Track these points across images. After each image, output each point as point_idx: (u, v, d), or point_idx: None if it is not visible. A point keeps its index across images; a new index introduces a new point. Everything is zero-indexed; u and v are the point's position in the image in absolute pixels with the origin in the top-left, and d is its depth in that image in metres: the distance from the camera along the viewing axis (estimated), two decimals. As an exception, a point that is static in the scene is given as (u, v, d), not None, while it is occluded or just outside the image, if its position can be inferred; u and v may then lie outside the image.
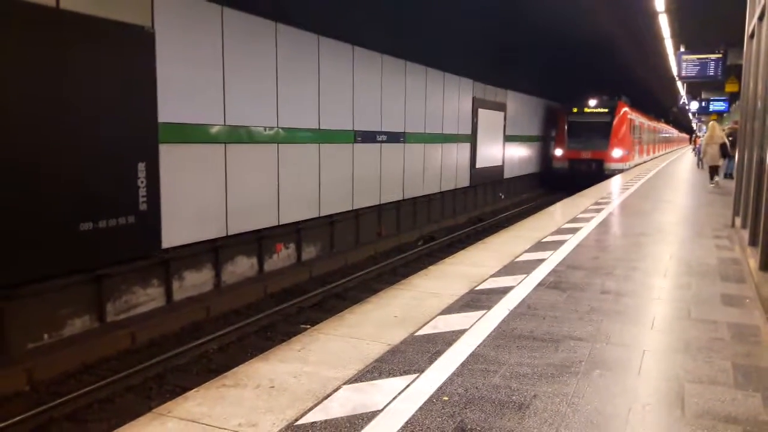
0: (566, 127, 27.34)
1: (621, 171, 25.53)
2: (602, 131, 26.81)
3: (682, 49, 19.30)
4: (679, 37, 18.47)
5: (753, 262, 6.23)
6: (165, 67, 8.29)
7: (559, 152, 27.21)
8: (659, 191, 16.27)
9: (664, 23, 16.52)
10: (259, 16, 10.22)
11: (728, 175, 17.76)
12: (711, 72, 19.02)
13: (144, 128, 8.05)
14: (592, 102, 27.32)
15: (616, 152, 26.61)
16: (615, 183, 19.30)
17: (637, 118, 31.65)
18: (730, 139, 16.92)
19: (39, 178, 6.79)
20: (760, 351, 4.11)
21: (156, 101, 8.20)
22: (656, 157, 42.26)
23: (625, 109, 27.97)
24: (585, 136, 26.79)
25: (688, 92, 35.82)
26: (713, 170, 17.09)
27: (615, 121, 26.89)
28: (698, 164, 27.34)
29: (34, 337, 6.91)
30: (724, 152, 16.95)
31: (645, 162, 34.08)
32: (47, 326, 7.06)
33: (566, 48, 20.38)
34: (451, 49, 16.59)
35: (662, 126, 51.45)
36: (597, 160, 26.40)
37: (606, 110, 27.16)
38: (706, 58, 19.00)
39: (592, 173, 25.35)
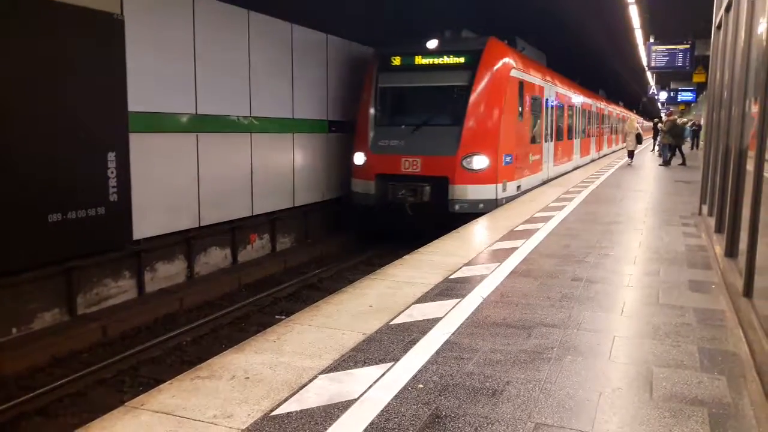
0: (374, 102, 12.44)
1: (493, 205, 11.38)
2: (450, 110, 12.01)
3: (652, 40, 19.59)
4: (648, 28, 18.73)
5: (719, 248, 6.39)
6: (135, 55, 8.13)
7: (359, 159, 12.30)
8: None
9: (634, 13, 16.73)
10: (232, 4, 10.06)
11: (667, 162, 21.31)
12: (679, 62, 19.39)
13: (114, 117, 7.91)
14: (433, 43, 12.26)
15: (480, 161, 11.43)
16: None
17: (547, 84, 15.75)
18: (662, 128, 22.49)
19: (4, 168, 6.63)
20: (726, 335, 4.22)
21: (126, 89, 8.05)
22: (602, 157, 29.09)
23: (508, 60, 12.39)
24: (412, 123, 12.03)
25: (657, 82, 36.40)
26: (631, 153, 23.29)
27: (482, 87, 11.75)
28: (660, 156, 22.92)
29: (1, 332, 6.77)
30: (639, 140, 24.27)
31: (570, 171, 19.49)
32: (15, 320, 6.93)
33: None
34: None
35: (612, 108, 33.96)
36: (435, 180, 11.53)
37: (461, 60, 12.07)
38: (675, 49, 19.34)
39: (427, 211, 11.54)
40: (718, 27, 8.50)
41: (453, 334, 4.21)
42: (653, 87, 40.02)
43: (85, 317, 7.66)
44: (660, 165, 21.08)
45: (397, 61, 12.40)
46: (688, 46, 19.03)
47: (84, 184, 7.51)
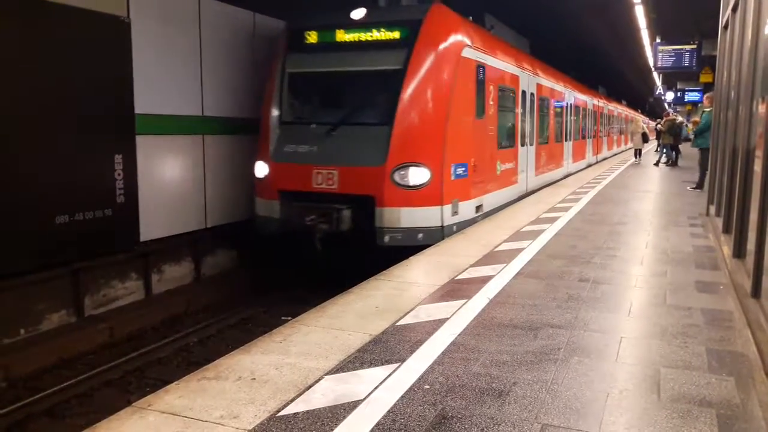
0: (279, 93, 9.40)
1: (438, 235, 8.34)
2: (378, 104, 8.86)
3: (658, 40, 19.54)
4: (655, 28, 18.68)
5: (727, 249, 6.36)
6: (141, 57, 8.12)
7: (260, 170, 9.18)
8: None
9: (640, 14, 16.69)
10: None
11: (669, 162, 21.21)
12: (686, 63, 19.34)
13: (121, 119, 7.95)
14: (359, 13, 9.18)
15: (418, 174, 8.24)
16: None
17: (524, 73, 12.72)
18: (661, 128, 21.68)
19: (13, 170, 6.66)
20: (734, 336, 4.20)
21: (132, 91, 8.08)
22: (602, 161, 25.82)
23: (460, 36, 9.09)
24: (327, 122, 8.91)
25: (663, 83, 36.27)
26: (638, 152, 23.91)
27: (421, 71, 8.49)
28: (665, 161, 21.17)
29: (10, 333, 6.80)
30: (645, 139, 24.85)
31: (560, 180, 16.50)
32: (24, 321, 6.96)
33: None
34: None
35: (612, 106, 30.68)
36: (357, 200, 8.35)
37: (394, 34, 8.82)
38: (682, 49, 19.28)
39: (346, 244, 8.47)
40: (725, 27, 8.47)
41: (459, 335, 4.20)
42: (660, 87, 39.88)
43: (93, 318, 7.67)
44: (655, 164, 21.21)
45: (312, 37, 9.08)
46: (694, 46, 18.97)
47: (91, 186, 7.55)
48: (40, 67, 6.90)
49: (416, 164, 8.14)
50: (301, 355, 3.84)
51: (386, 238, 8.02)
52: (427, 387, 3.38)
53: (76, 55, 7.31)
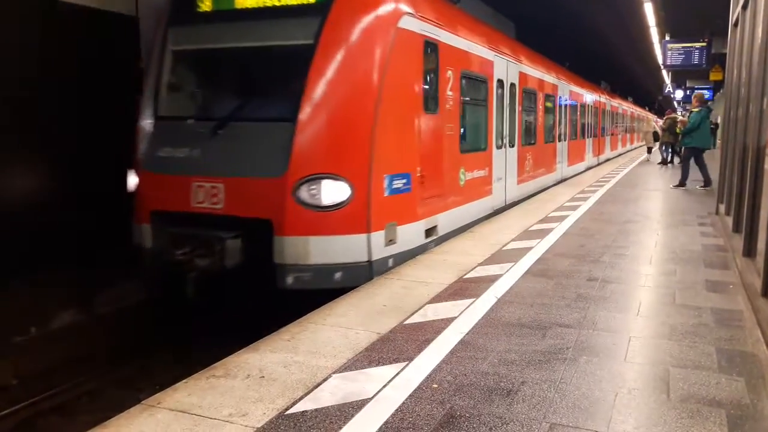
0: (155, 78, 6.98)
1: (365, 273, 6.10)
2: (280, 91, 6.40)
3: (668, 38, 19.43)
4: (664, 26, 18.58)
5: (737, 248, 6.32)
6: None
7: (131, 183, 6.74)
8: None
9: (649, 11, 16.60)
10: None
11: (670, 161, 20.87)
12: (696, 60, 19.21)
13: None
14: None
15: (333, 189, 5.95)
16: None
17: (499, 59, 10.32)
18: (662, 126, 20.98)
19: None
20: (744, 336, 4.17)
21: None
22: (605, 162, 23.91)
23: (397, 3, 6.67)
24: (212, 117, 6.50)
25: (673, 81, 36.06)
26: (649, 149, 24.31)
27: (340, 48, 6.16)
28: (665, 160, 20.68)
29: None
30: (656, 137, 23.06)
31: (552, 186, 14.59)
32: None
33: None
34: None
35: (616, 102, 28.33)
36: (249, 225, 6.02)
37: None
38: (691, 47, 19.17)
39: (233, 286, 6.35)
40: (735, 24, 8.41)
41: (467, 333, 4.20)
42: (669, 85, 39.66)
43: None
44: (659, 164, 20.93)
45: (204, 4, 6.87)
46: (704, 44, 18.83)
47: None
48: None
49: (331, 176, 5.87)
50: (309, 354, 3.85)
51: (289, 279, 5.77)
52: (435, 386, 3.38)
53: None
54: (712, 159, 20.65)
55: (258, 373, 3.57)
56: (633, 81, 38.32)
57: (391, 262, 6.45)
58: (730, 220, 7.48)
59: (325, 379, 3.46)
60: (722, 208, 8.94)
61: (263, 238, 5.86)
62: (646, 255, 6.72)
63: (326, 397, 3.24)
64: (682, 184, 13.33)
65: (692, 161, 13.52)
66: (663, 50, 19.81)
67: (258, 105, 6.37)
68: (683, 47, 19.19)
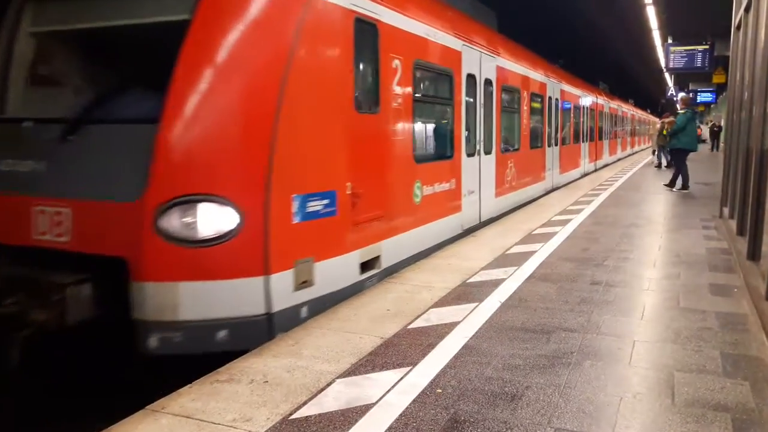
0: (2, 69, 5.30)
1: (261, 330, 4.42)
2: (144, 84, 4.75)
3: (670, 41, 19.44)
4: (666, 29, 18.59)
5: (741, 251, 6.30)
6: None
7: None
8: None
9: (651, 14, 16.62)
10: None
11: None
12: (698, 63, 19.22)
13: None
14: None
15: (213, 215, 4.29)
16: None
17: (469, 49, 8.62)
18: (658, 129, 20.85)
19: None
20: (749, 340, 4.16)
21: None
22: (601, 168, 22.21)
23: None
24: (55, 118, 4.75)
25: (675, 83, 36.06)
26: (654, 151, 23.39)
27: (224, 22, 4.53)
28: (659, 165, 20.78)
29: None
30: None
31: (541, 197, 13.07)
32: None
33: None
34: None
35: (615, 104, 26.59)
36: (98, 265, 4.35)
37: None
38: (694, 50, 19.17)
39: (75, 353, 4.61)
40: (738, 27, 8.41)
41: (471, 338, 4.20)
42: (672, 88, 39.65)
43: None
44: (655, 166, 20.91)
45: None
46: (707, 46, 18.84)
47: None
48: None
49: (211, 197, 4.31)
50: (313, 358, 3.85)
51: (152, 341, 4.20)
52: (439, 391, 3.37)
53: None
54: (716, 161, 20.64)
55: (262, 377, 3.57)
56: (636, 84, 38.30)
57: (304, 311, 4.80)
58: (734, 224, 7.46)
59: (328, 384, 3.46)
60: (726, 211, 8.92)
61: (118, 283, 4.26)
62: (650, 258, 6.71)
63: (330, 402, 3.24)
64: (685, 186, 13.34)
65: (679, 161, 13.66)
66: (665, 53, 19.82)
67: (117, 101, 4.80)
68: (686, 50, 19.20)
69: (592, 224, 9.01)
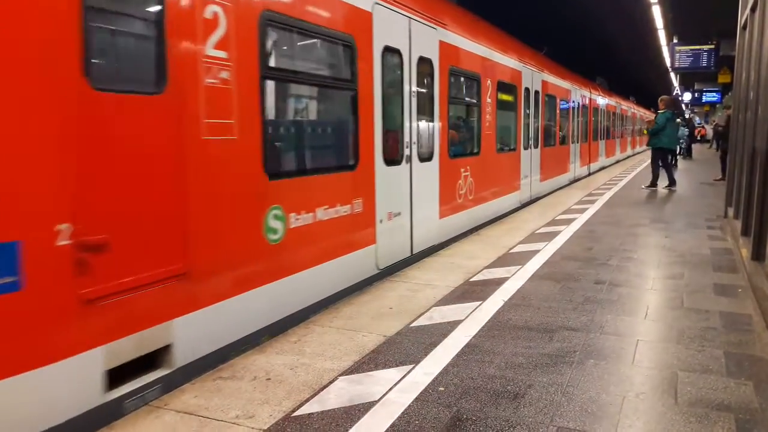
0: None
1: None
2: None
3: (675, 41, 19.38)
4: (672, 28, 18.53)
5: (745, 251, 6.28)
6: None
7: None
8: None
9: (657, 14, 16.56)
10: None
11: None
12: (704, 63, 19.17)
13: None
14: None
15: None
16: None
17: (405, 18, 6.53)
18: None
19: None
20: (752, 340, 4.15)
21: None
22: (595, 172, 20.22)
23: None
24: None
25: (681, 83, 35.94)
26: None
27: None
28: None
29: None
30: None
31: (515, 210, 10.92)
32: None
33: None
34: None
35: (613, 101, 24.56)
36: None
37: None
38: (699, 49, 19.11)
39: None
40: (744, 27, 8.38)
41: (474, 337, 4.19)
42: (677, 88, 39.52)
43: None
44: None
45: None
46: (712, 46, 18.78)
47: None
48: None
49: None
50: (315, 356, 3.85)
51: None
52: (442, 389, 3.37)
53: None
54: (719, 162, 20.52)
55: (264, 375, 3.58)
56: (640, 83, 38.20)
57: None
58: (738, 224, 7.43)
59: (331, 382, 3.46)
60: (731, 211, 8.89)
61: None
62: (653, 258, 6.69)
63: (332, 399, 3.24)
64: (653, 184, 13.72)
65: (662, 160, 13.87)
66: (671, 53, 19.77)
67: None
68: (691, 50, 19.14)
69: (596, 223, 8.97)
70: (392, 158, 6.37)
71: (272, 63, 4.61)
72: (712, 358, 3.82)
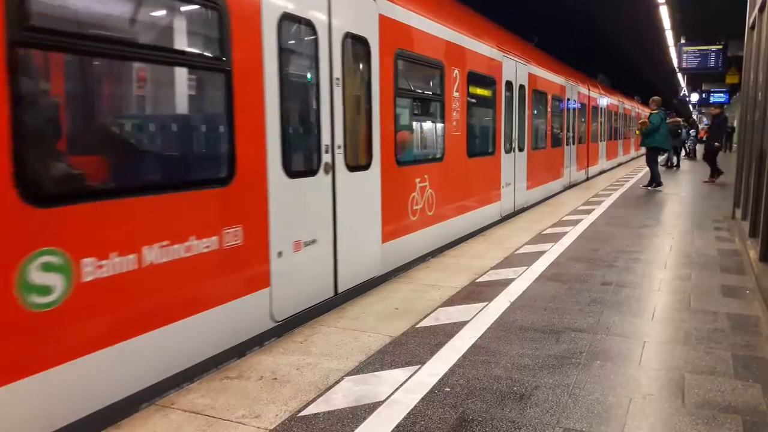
0: None
1: None
2: None
3: (683, 41, 19.30)
4: (679, 29, 18.46)
5: (753, 253, 6.25)
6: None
7: None
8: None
9: (664, 14, 16.51)
10: None
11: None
12: (711, 63, 19.06)
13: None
14: None
15: None
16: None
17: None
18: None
19: None
20: (760, 342, 4.12)
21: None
22: (594, 176, 18.71)
23: None
24: None
25: (688, 84, 35.78)
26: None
27: None
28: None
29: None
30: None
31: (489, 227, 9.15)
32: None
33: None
34: None
35: (614, 99, 22.99)
36: None
37: None
38: (707, 50, 19.02)
39: None
40: (752, 27, 8.34)
41: (480, 337, 4.19)
42: (684, 89, 39.36)
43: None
44: (662, 165, 20.80)
45: None
46: (720, 46, 18.68)
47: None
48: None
49: None
50: (321, 356, 3.86)
51: None
52: (448, 389, 3.37)
53: None
54: (728, 162, 20.46)
55: (271, 374, 3.59)
56: (647, 83, 38.06)
57: None
58: (746, 225, 7.40)
59: (337, 382, 3.47)
60: (738, 212, 8.84)
61: None
62: (660, 259, 6.66)
63: (339, 399, 3.25)
64: (659, 183, 13.91)
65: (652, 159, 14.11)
66: (678, 53, 19.68)
67: None
68: (699, 50, 19.04)
69: (603, 224, 8.94)
70: (301, 168, 4.79)
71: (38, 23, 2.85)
72: (719, 359, 3.80)
